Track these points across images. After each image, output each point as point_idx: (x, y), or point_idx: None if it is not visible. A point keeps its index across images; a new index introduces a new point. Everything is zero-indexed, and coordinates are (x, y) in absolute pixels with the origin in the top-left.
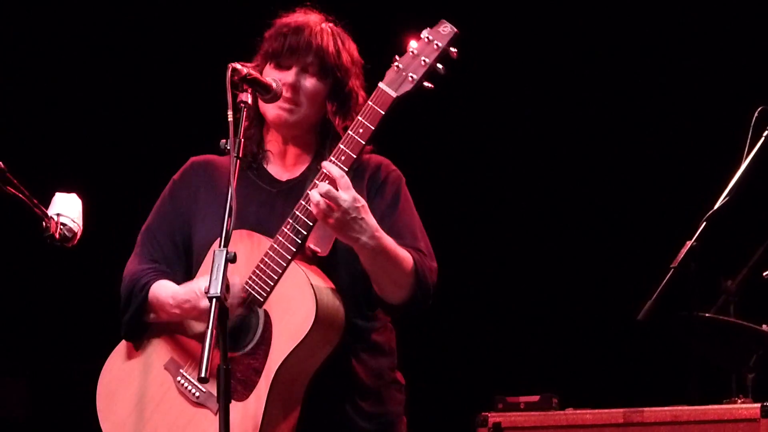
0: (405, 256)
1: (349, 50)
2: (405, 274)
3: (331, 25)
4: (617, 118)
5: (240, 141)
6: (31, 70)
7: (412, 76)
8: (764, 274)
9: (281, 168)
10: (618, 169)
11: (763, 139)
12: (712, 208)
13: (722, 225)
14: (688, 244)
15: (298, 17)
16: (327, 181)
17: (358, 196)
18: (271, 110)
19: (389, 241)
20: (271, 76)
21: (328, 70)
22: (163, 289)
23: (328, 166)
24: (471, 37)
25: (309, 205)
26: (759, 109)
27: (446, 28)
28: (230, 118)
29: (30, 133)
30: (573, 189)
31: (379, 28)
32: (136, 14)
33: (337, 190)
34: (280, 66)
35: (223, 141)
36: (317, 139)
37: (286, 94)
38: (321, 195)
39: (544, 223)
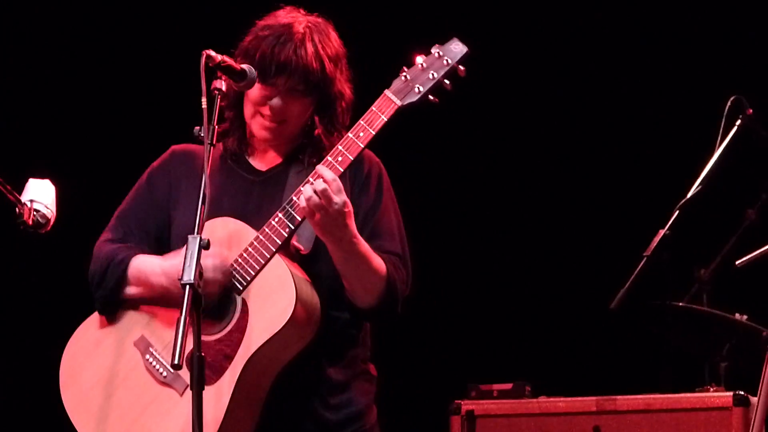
0: (379, 264)
1: (333, 50)
2: (376, 282)
3: (311, 24)
4: (590, 106)
5: (213, 128)
6: (4, 56)
7: (419, 88)
8: (737, 263)
9: (261, 160)
10: (591, 158)
11: (735, 128)
12: (685, 196)
13: (695, 214)
14: (661, 232)
15: (281, 20)
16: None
17: (348, 201)
18: (257, 128)
19: (366, 248)
20: (256, 92)
21: (314, 86)
22: (148, 261)
23: (321, 170)
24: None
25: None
26: (732, 98)
27: (457, 46)
28: (204, 105)
29: (2, 119)
30: (546, 178)
31: (381, 36)
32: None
33: (331, 191)
34: (266, 83)
35: (197, 128)
36: (301, 137)
37: (271, 113)
38: (316, 192)
39: (517, 212)
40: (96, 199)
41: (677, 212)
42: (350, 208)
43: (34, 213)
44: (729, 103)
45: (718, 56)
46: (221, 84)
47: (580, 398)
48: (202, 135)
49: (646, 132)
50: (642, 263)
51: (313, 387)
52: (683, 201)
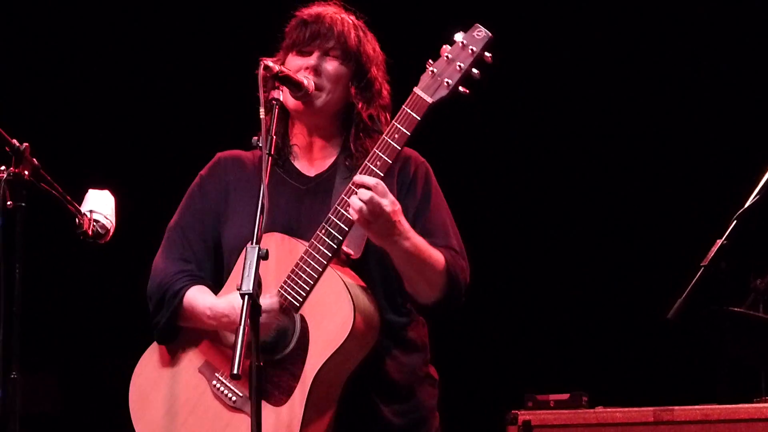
0: (437, 256)
1: (371, 42)
2: (437, 274)
3: (352, 16)
4: (650, 114)
5: (272, 138)
6: (64, 69)
7: (447, 82)
8: None
9: (308, 163)
10: (649, 167)
11: None
12: (743, 206)
13: (753, 223)
14: (719, 242)
15: (318, 8)
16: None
17: (395, 199)
18: (292, 97)
19: (421, 242)
20: (293, 63)
21: (350, 55)
22: (200, 299)
23: (361, 178)
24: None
25: (345, 210)
26: None
27: (480, 33)
28: (262, 116)
29: (63, 130)
30: (604, 187)
31: (404, 31)
32: (166, 13)
33: (377, 196)
34: (302, 52)
35: (255, 138)
36: (341, 129)
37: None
38: (364, 202)
39: (576, 222)
40: (154, 209)
41: (735, 222)
42: (398, 205)
43: (94, 223)
44: None
45: None
46: (279, 94)
47: (637, 408)
48: (260, 145)
49: (706, 142)
50: (699, 273)
51: (378, 394)
52: (741, 211)
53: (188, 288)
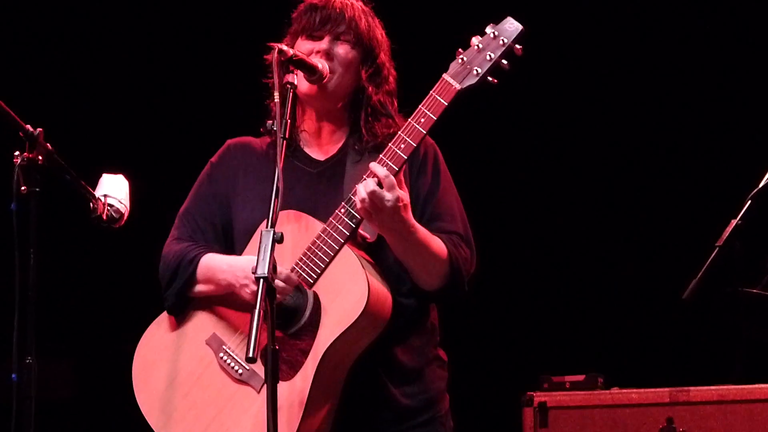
0: (439, 247)
1: (379, 28)
2: (439, 265)
3: (359, 1)
4: (662, 93)
5: (287, 122)
6: (79, 55)
7: (477, 70)
8: None
9: (317, 148)
10: (663, 147)
11: None
12: (758, 186)
13: (767, 203)
14: (733, 222)
15: None
16: (374, 179)
17: (402, 195)
18: (303, 82)
19: (423, 235)
20: (303, 48)
21: (361, 40)
22: (216, 258)
23: (374, 167)
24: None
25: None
26: None
27: (512, 25)
28: (277, 99)
29: (77, 115)
30: (621, 168)
31: (434, 20)
32: (177, 4)
33: (382, 188)
34: (313, 37)
35: (269, 122)
36: (350, 114)
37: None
38: (367, 194)
39: (590, 202)
40: (169, 194)
41: (749, 202)
42: (405, 201)
43: (108, 208)
44: None
45: None
46: (293, 78)
47: (653, 389)
48: (275, 129)
49: (720, 122)
50: (714, 253)
51: (387, 375)
52: (755, 191)
53: (204, 254)
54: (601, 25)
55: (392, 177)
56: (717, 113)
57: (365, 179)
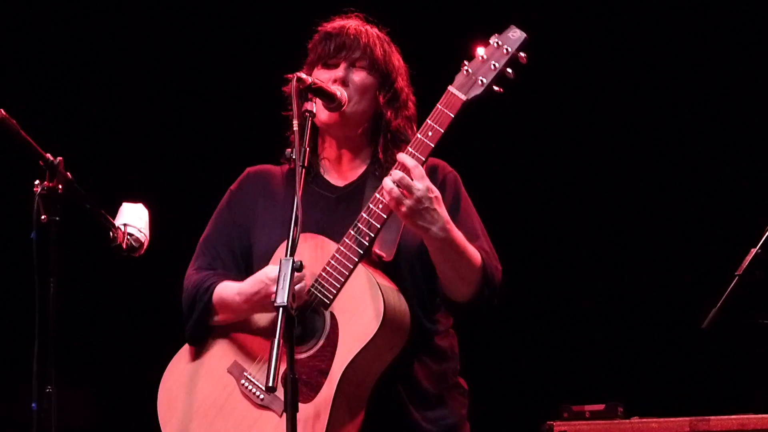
0: (474, 253)
1: (396, 53)
2: (473, 270)
3: (375, 28)
4: (683, 123)
5: (306, 150)
6: (99, 83)
7: (482, 80)
8: None
9: (337, 174)
10: (682, 177)
11: None
12: None
13: None
14: (753, 251)
15: (341, 21)
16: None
17: (433, 187)
18: (322, 110)
19: (459, 235)
20: (320, 77)
21: (377, 66)
22: (228, 288)
23: (402, 157)
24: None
25: (377, 208)
26: None
27: (515, 33)
28: (296, 127)
29: (97, 144)
30: (638, 197)
31: (436, 33)
32: (199, 32)
33: (412, 179)
34: (328, 65)
35: (288, 150)
36: (370, 141)
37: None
38: (394, 182)
39: (609, 231)
40: (188, 223)
41: None
42: (436, 193)
43: (128, 237)
44: None
45: None
46: (312, 106)
47: (673, 419)
48: (294, 157)
49: (739, 151)
50: (734, 282)
51: (410, 400)
52: None
53: (217, 284)
54: (606, 31)
55: (421, 168)
56: (741, 142)
57: (392, 171)
